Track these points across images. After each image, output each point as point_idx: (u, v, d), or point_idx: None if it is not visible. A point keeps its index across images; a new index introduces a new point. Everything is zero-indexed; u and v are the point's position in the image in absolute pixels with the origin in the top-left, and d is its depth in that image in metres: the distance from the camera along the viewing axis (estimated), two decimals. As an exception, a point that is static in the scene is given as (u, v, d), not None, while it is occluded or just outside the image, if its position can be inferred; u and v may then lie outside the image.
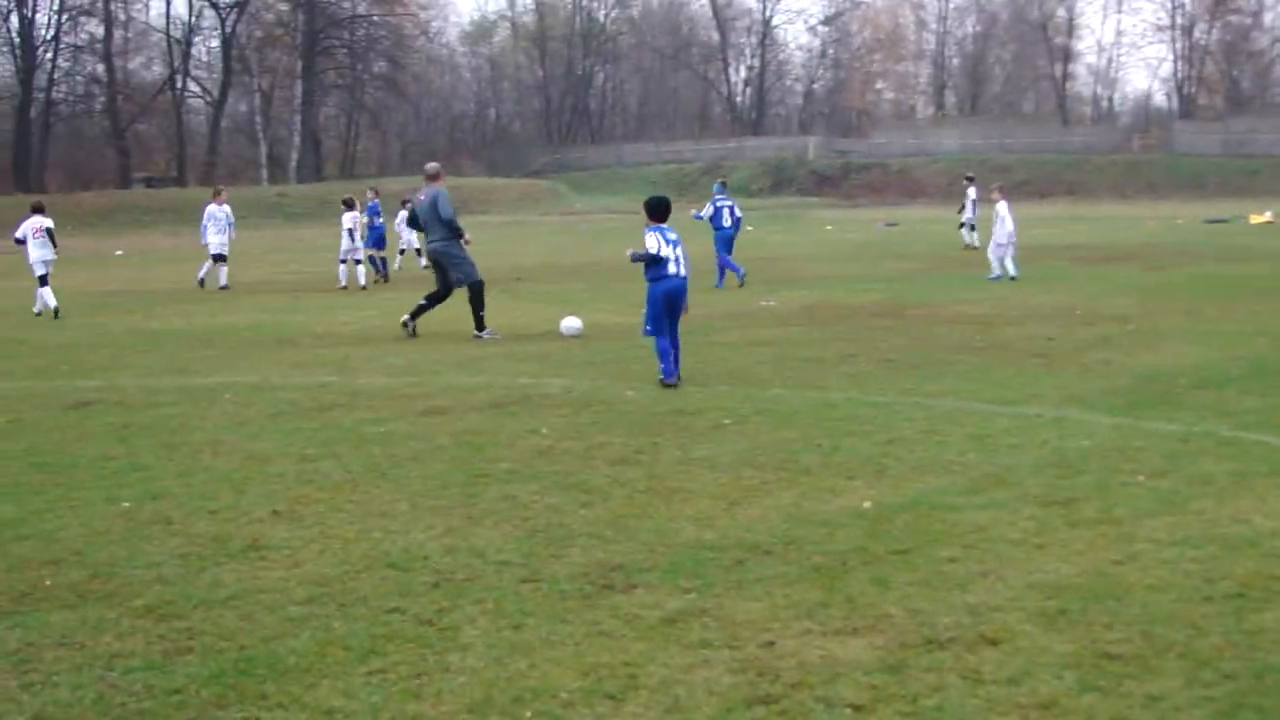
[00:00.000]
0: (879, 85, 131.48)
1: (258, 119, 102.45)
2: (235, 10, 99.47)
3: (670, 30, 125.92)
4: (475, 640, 6.58)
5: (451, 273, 20.38)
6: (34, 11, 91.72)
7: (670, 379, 14.50)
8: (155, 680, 6.15)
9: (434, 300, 20.68)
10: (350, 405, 13.68)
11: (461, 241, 20.29)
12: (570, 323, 19.74)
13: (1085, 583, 7.33)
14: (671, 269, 14.77)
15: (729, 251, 29.47)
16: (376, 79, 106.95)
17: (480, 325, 20.08)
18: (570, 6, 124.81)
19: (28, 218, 27.27)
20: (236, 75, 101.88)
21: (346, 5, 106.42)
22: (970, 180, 42.42)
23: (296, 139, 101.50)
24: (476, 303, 20.13)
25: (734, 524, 8.63)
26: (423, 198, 20.48)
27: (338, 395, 14.36)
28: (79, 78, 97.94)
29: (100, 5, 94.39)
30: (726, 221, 29.72)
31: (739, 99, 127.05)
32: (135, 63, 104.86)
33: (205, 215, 32.19)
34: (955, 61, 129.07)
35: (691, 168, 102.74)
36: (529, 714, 5.74)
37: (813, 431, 11.60)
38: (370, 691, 6.00)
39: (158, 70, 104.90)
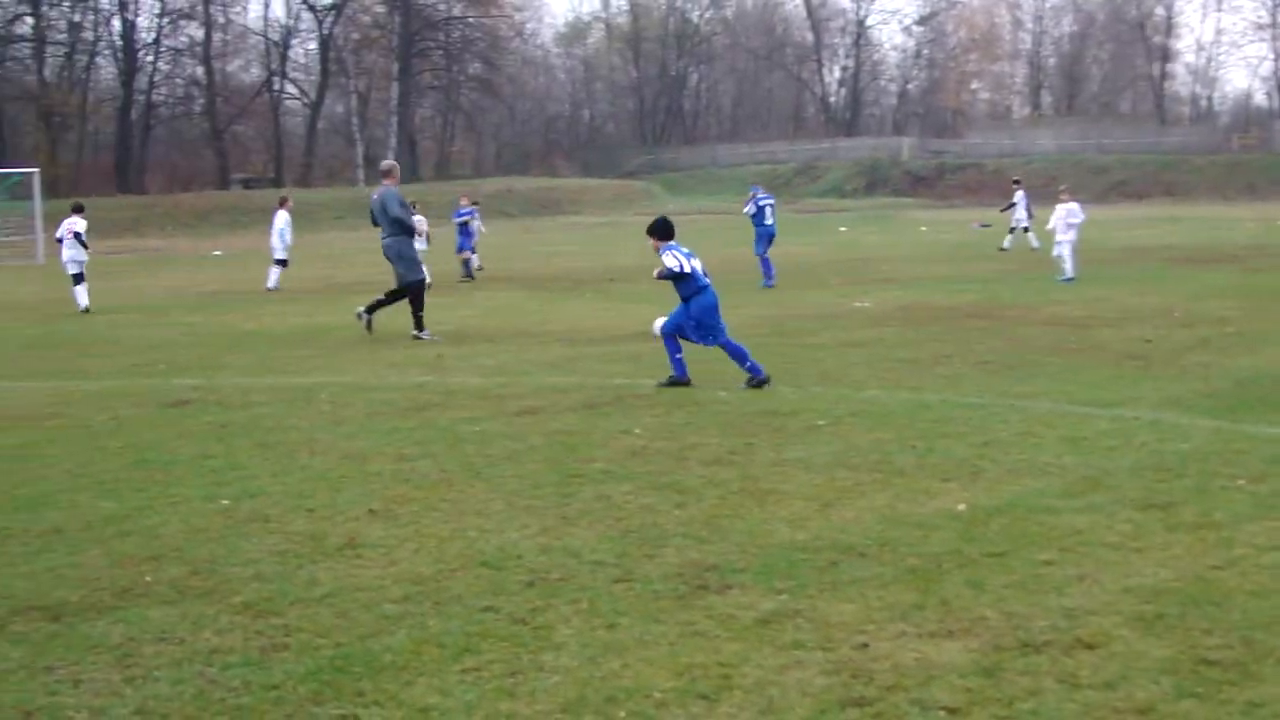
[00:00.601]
0: (974, 85, 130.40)
1: (354, 120, 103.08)
2: (333, 12, 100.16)
3: (764, 31, 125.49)
4: (569, 639, 6.59)
5: (395, 269, 20.93)
6: (136, 15, 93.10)
7: (682, 376, 14.84)
8: (253, 676, 6.21)
9: (394, 297, 21.13)
10: (445, 405, 13.75)
11: (416, 239, 20.85)
12: (662, 323, 19.70)
13: (1183, 587, 7.25)
14: (705, 280, 15.16)
15: (766, 249, 29.95)
16: (471, 80, 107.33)
17: (419, 325, 20.66)
18: (664, 7, 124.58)
19: (68, 217, 28.28)
20: (333, 77, 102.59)
21: (442, 7, 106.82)
22: (1017, 184, 42.36)
23: (392, 140, 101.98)
24: (416, 303, 20.75)
25: (828, 525, 8.61)
26: (376, 196, 21.03)
27: (433, 395, 14.44)
28: (179, 80, 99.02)
29: (200, 9, 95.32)
30: (769, 219, 30.39)
31: (833, 99, 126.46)
32: (234, 65, 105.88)
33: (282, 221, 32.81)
34: (1051, 61, 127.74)
35: (785, 168, 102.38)
36: (623, 714, 5.75)
37: (907, 433, 11.54)
38: (465, 689, 6.03)
39: (256, 73, 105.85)
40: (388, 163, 21.85)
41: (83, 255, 27.72)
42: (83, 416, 13.61)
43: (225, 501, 9.58)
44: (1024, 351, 17.03)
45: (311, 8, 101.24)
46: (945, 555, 7.86)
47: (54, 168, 77.93)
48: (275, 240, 32.46)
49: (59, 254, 28.41)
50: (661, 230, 15.51)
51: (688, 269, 14.98)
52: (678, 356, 14.96)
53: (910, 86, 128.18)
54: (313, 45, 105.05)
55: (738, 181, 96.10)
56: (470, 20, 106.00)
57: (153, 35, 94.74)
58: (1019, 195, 40.53)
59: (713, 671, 6.16)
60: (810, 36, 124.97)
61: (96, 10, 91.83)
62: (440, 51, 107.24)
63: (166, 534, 8.75)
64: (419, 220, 30.98)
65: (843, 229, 58.31)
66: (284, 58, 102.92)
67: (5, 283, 38.49)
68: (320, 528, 8.81)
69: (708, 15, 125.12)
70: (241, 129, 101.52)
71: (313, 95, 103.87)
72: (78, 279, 27.29)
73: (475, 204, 36.57)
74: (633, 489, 9.67)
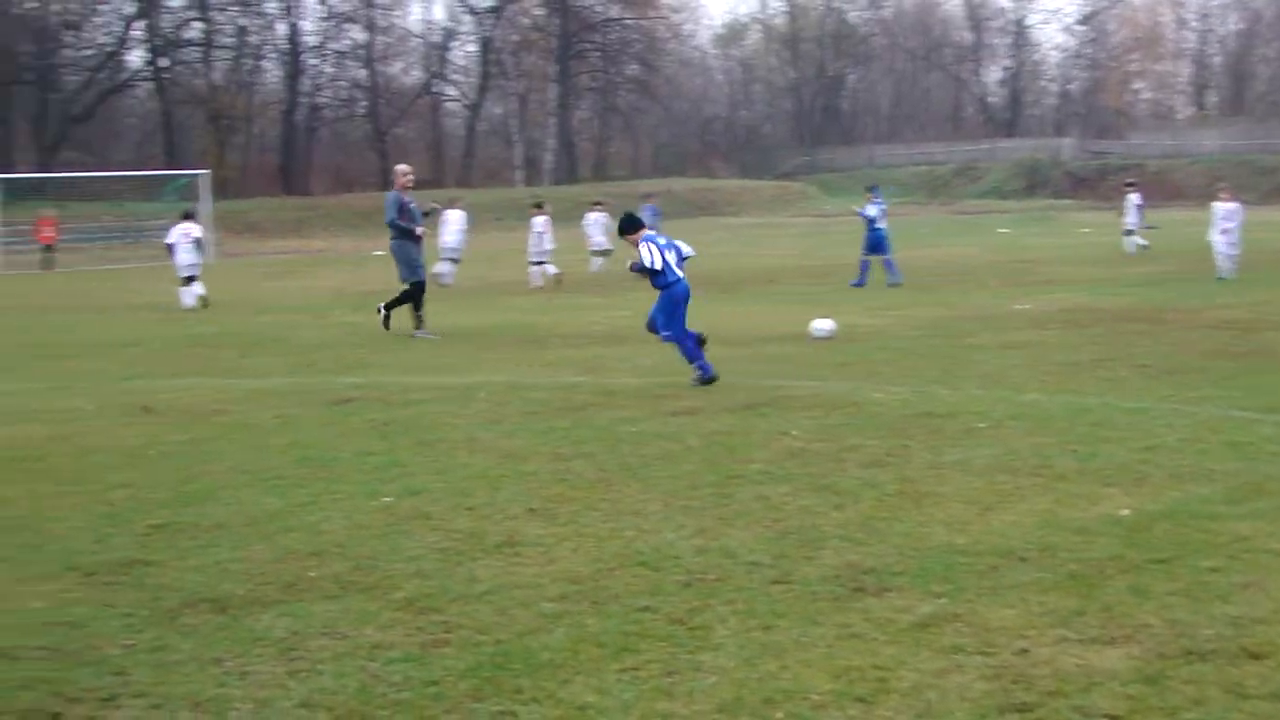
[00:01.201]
0: (1137, 85, 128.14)
1: (513, 122, 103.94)
2: (492, 15, 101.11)
3: (922, 31, 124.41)
4: (726, 640, 6.59)
5: (398, 268, 22.24)
6: (301, 19, 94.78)
7: (710, 373, 15.05)
8: (414, 672, 6.28)
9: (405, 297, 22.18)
10: (602, 405, 13.79)
11: (417, 236, 22.09)
12: (821, 325, 19.65)
13: (1355, 597, 7.07)
14: (676, 273, 15.44)
15: (876, 253, 30.38)
16: (629, 82, 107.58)
17: (390, 306, 22.13)
18: (822, 8, 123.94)
19: (178, 224, 30.05)
20: (493, 79, 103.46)
21: (600, 9, 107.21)
22: (1131, 185, 41.89)
23: (551, 141, 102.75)
24: (414, 303, 21.98)
25: (987, 529, 8.51)
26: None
27: (590, 395, 14.49)
28: (342, 83, 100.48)
29: (363, 12, 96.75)
30: (883, 223, 30.78)
31: (992, 99, 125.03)
32: (395, 68, 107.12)
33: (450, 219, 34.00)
34: (1216, 60, 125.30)
35: (943, 169, 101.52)
36: (780, 715, 5.73)
37: (1068, 437, 11.37)
38: (622, 688, 6.04)
39: (417, 75, 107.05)
40: (400, 167, 23.43)
41: (197, 259, 29.46)
42: (248, 414, 13.86)
43: (387, 498, 9.69)
44: (1187, 355, 16.72)
45: (472, 10, 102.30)
46: (1107, 561, 7.74)
47: (221, 169, 79.40)
48: (451, 239, 33.17)
49: (171, 257, 29.86)
50: (629, 227, 15.84)
51: (659, 265, 15.26)
52: (699, 359, 15.24)
53: (1071, 86, 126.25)
54: (473, 48, 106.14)
55: (895, 183, 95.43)
56: (628, 22, 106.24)
57: (317, 39, 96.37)
58: (1133, 198, 39.96)
59: (870, 674, 6.12)
60: (969, 36, 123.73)
61: (263, 14, 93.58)
62: (598, 53, 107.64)
63: (329, 530, 8.88)
64: (448, 213, 32.44)
65: (1002, 230, 57.63)
66: (444, 60, 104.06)
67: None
68: (480, 525, 8.88)
69: (866, 15, 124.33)
70: (403, 131, 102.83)
71: (472, 97, 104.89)
72: (189, 280, 29.00)
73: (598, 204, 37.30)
74: (790, 490, 9.63)
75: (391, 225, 22.10)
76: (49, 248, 51.02)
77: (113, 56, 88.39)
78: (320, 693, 6.08)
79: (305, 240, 66.04)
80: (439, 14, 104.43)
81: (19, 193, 63.44)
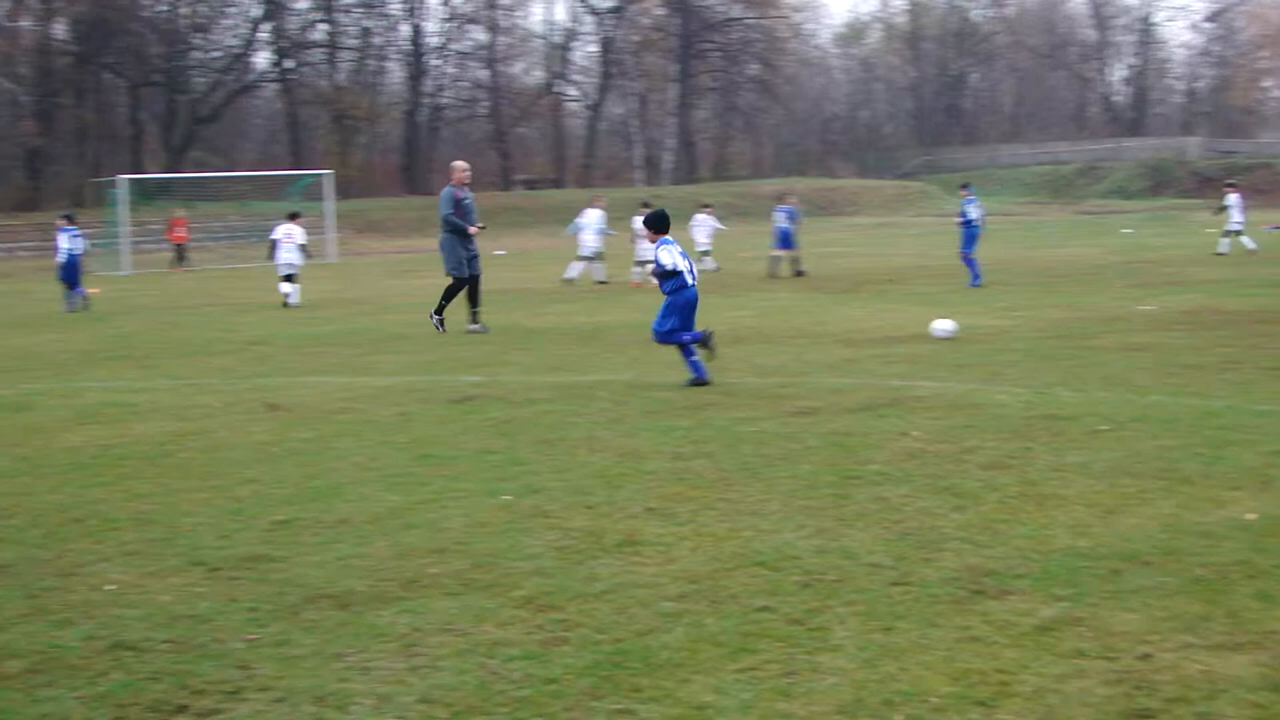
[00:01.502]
0: (1266, 83, 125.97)
1: (633, 122, 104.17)
2: (613, 15, 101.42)
3: (1046, 29, 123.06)
4: (845, 641, 6.57)
5: (444, 262, 22.80)
6: (424, 20, 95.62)
7: (703, 376, 15.26)
8: (533, 669, 6.32)
9: (471, 296, 22.70)
10: (723, 404, 13.79)
11: (469, 233, 22.48)
12: (942, 325, 19.52)
13: None
14: (689, 279, 15.68)
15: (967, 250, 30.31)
16: (750, 81, 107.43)
17: (439, 310, 22.59)
18: (944, 6, 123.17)
19: (282, 223, 31.87)
20: (613, 79, 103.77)
21: (721, 9, 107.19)
22: (1231, 186, 41.12)
23: (671, 141, 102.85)
24: (449, 294, 22.57)
25: (1110, 532, 8.41)
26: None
27: (710, 394, 14.49)
28: (464, 83, 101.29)
29: (485, 13, 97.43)
30: (981, 221, 30.91)
31: (1117, 98, 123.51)
32: (517, 68, 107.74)
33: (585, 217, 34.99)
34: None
35: (1067, 169, 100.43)
36: (899, 718, 5.70)
37: (1193, 439, 11.20)
38: (741, 688, 6.04)
39: (538, 75, 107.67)
40: (457, 163, 23.81)
41: (299, 259, 31.10)
42: (371, 412, 14.01)
43: (507, 497, 9.75)
44: (1318, 357, 16.41)
45: (593, 11, 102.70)
46: (1233, 566, 7.62)
47: (344, 169, 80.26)
48: (590, 237, 34.44)
49: (274, 255, 31.55)
50: (657, 223, 16.22)
51: (681, 267, 15.54)
52: (693, 359, 15.47)
53: (1198, 84, 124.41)
54: (593, 48, 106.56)
55: (1018, 183, 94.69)
56: (749, 21, 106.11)
57: (440, 40, 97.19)
58: (1233, 198, 39.31)
59: (991, 678, 6.08)
60: (1094, 34, 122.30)
61: (386, 16, 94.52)
62: (719, 53, 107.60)
63: (450, 527, 8.95)
64: (587, 212, 32.65)
65: (1126, 231, 56.91)
66: (565, 60, 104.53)
67: (301, 282, 39.74)
68: (599, 524, 8.92)
69: (988, 14, 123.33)
70: (524, 131, 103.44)
71: (593, 97, 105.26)
72: (289, 279, 30.54)
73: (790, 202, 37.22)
74: (910, 491, 9.59)
75: (445, 220, 22.52)
76: (181, 247, 51.86)
77: (240, 59, 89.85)
78: (440, 689, 6.14)
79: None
80: (560, 14, 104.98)
81: (148, 193, 64.58)
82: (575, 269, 34.21)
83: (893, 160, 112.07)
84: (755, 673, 6.21)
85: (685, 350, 15.61)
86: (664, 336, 15.77)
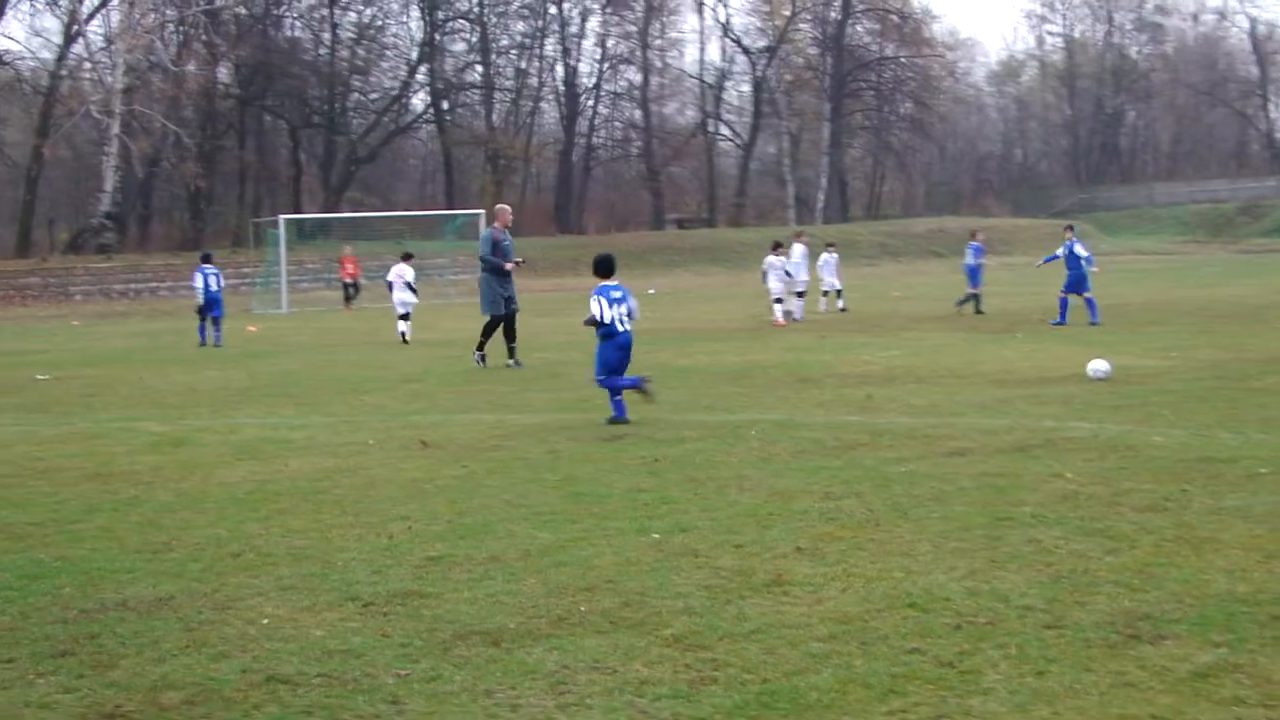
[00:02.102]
0: None
1: (785, 161, 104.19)
2: (766, 55, 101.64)
3: (1206, 65, 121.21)
4: (997, 685, 6.48)
5: (480, 301, 24.50)
6: (578, 61, 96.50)
7: (622, 416, 15.86)
8: (682, 708, 6.29)
9: (507, 333, 24.04)
10: (873, 445, 13.70)
11: (506, 269, 24.00)
12: (1098, 365, 19.25)
13: None
14: (619, 328, 16.17)
15: (1080, 291, 31.03)
16: (903, 120, 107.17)
17: (480, 347, 24.11)
18: (1101, 44, 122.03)
19: (396, 264, 33.63)
20: (765, 118, 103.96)
21: (875, 48, 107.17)
22: None
23: (823, 180, 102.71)
24: (487, 331, 24.11)
25: (1270, 578, 8.22)
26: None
27: (860, 434, 14.41)
28: (617, 123, 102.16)
29: (639, 54, 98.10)
30: (1086, 262, 31.37)
31: (1279, 135, 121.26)
32: (670, 108, 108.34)
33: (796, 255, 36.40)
34: None
35: (1226, 207, 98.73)
36: (1051, 764, 5.62)
37: (1359, 484, 10.94)
38: (890, 731, 5.98)
39: (690, 115, 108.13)
40: (499, 206, 25.63)
41: (412, 299, 32.52)
42: (521, 449, 14.09)
43: (656, 535, 9.76)
44: None
45: (745, 50, 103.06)
46: (1400, 614, 7.42)
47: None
48: (800, 274, 35.65)
49: (389, 296, 33.46)
50: (596, 267, 16.74)
51: (606, 318, 16.09)
52: (617, 399, 16.02)
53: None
54: (746, 87, 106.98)
55: (1175, 221, 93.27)
56: (903, 60, 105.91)
57: (593, 80, 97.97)
58: None
59: (1146, 725, 5.96)
60: (1255, 70, 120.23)
61: (541, 57, 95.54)
62: (872, 92, 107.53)
63: (600, 565, 8.97)
64: (794, 247, 32.98)
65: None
66: (718, 100, 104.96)
67: (454, 319, 40.16)
68: (748, 564, 8.89)
69: (1146, 51, 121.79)
70: (676, 170, 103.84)
71: (745, 136, 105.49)
72: (404, 318, 32.13)
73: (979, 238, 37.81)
74: (1063, 534, 9.45)
75: (483, 260, 24.09)
76: (354, 284, 52.29)
77: (397, 100, 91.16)
78: (589, 726, 6.14)
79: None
80: (713, 54, 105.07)
81: (306, 233, 65.70)
82: (795, 306, 34.91)
83: (1047, 199, 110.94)
84: (905, 715, 6.14)
85: (611, 397, 16.15)
86: (602, 383, 16.26)
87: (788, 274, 34.50)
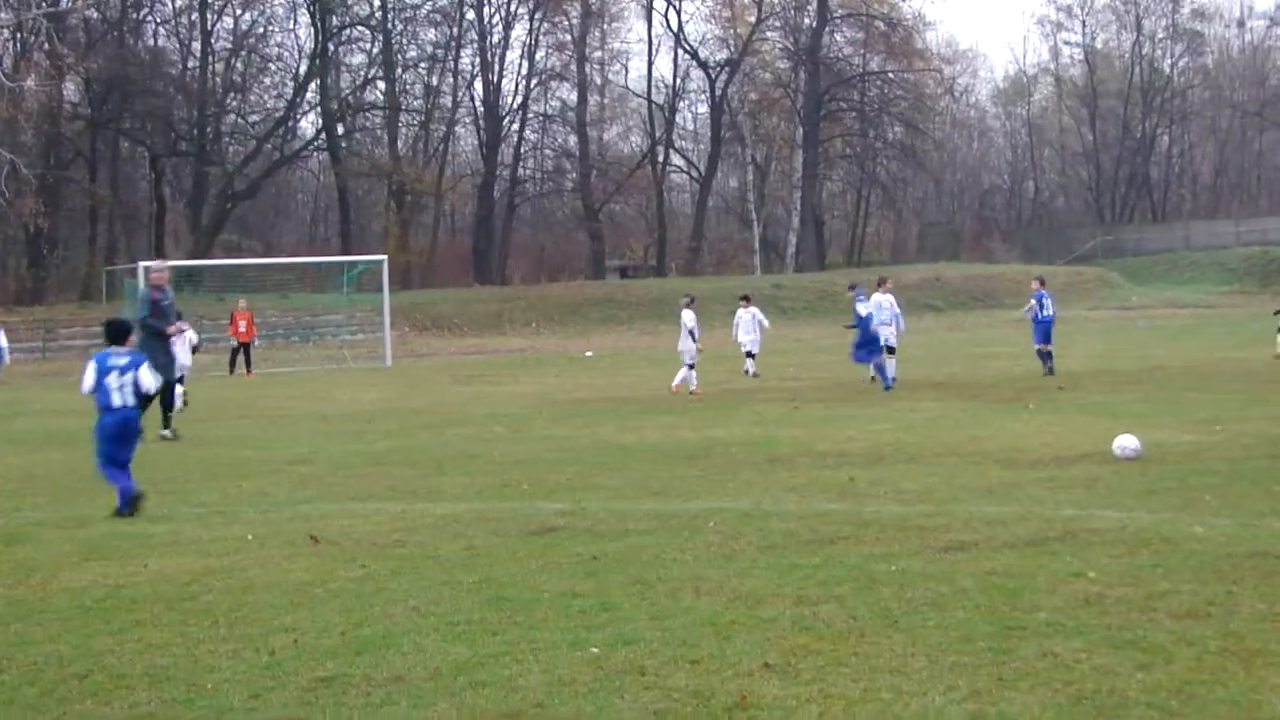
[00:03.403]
0: None
1: (750, 196, 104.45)
2: (726, 70, 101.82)
3: (1254, 82, 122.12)
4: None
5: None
6: (500, 77, 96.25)
7: (125, 510, 16.46)
8: None
9: (162, 400, 25.30)
10: (856, 538, 13.73)
11: (168, 333, 25.96)
12: (1125, 442, 19.35)
13: None
14: (116, 400, 16.80)
15: (1046, 341, 36.24)
16: (890, 147, 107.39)
17: (166, 423, 25.99)
18: (1128, 57, 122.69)
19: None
20: (726, 145, 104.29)
21: (857, 61, 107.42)
22: None
23: (795, 220, 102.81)
24: (166, 402, 25.80)
25: (1335, 697, 8.30)
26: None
27: (841, 525, 14.44)
28: (548, 151, 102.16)
29: (574, 68, 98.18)
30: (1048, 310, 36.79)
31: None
32: (611, 133, 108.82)
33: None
34: None
35: (1279, 251, 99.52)
36: None
37: None
38: None
39: (636, 141, 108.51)
40: (154, 263, 28.86)
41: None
42: (433, 545, 14.06)
43: (595, 649, 9.75)
44: None
45: (702, 65, 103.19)
46: None
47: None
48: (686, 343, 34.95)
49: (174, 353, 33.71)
50: (108, 331, 17.51)
51: (87, 386, 16.89)
52: (124, 485, 16.74)
53: None
54: (703, 108, 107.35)
55: (1218, 267, 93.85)
56: (890, 75, 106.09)
57: (519, 100, 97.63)
58: None
59: None
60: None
61: (456, 72, 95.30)
62: (853, 113, 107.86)
63: (526, 686, 8.94)
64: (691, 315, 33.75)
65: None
66: (670, 123, 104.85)
67: (351, 388, 40.12)
68: (706, 683, 8.89)
69: (1182, 64, 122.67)
70: (619, 207, 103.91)
71: (702, 167, 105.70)
72: (180, 380, 33.10)
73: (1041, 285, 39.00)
74: (1085, 646, 9.49)
75: (143, 324, 25.33)
76: (245, 346, 51.06)
77: (282, 123, 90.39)
78: None
79: (501, 338, 67.12)
80: (664, 69, 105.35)
81: (171, 283, 65.23)
82: (891, 366, 34.97)
83: (1064, 241, 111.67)
84: None
85: (114, 482, 16.80)
86: (100, 469, 17.00)
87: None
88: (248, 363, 50.25)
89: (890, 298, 34.64)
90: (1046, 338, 36.24)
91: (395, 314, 59.64)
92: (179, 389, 32.25)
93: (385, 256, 61.73)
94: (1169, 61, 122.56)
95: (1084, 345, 49.08)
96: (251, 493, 18.75)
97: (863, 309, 34.36)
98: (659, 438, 23.78)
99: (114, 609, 11.49)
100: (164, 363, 24.82)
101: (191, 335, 35.57)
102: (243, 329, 50.90)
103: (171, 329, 25.80)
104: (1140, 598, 10.81)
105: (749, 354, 39.12)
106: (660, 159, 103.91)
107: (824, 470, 19.02)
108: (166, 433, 25.77)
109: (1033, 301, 37.24)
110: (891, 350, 33.77)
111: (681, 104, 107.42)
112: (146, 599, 11.85)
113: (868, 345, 33.52)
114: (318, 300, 66.68)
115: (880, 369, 33.01)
